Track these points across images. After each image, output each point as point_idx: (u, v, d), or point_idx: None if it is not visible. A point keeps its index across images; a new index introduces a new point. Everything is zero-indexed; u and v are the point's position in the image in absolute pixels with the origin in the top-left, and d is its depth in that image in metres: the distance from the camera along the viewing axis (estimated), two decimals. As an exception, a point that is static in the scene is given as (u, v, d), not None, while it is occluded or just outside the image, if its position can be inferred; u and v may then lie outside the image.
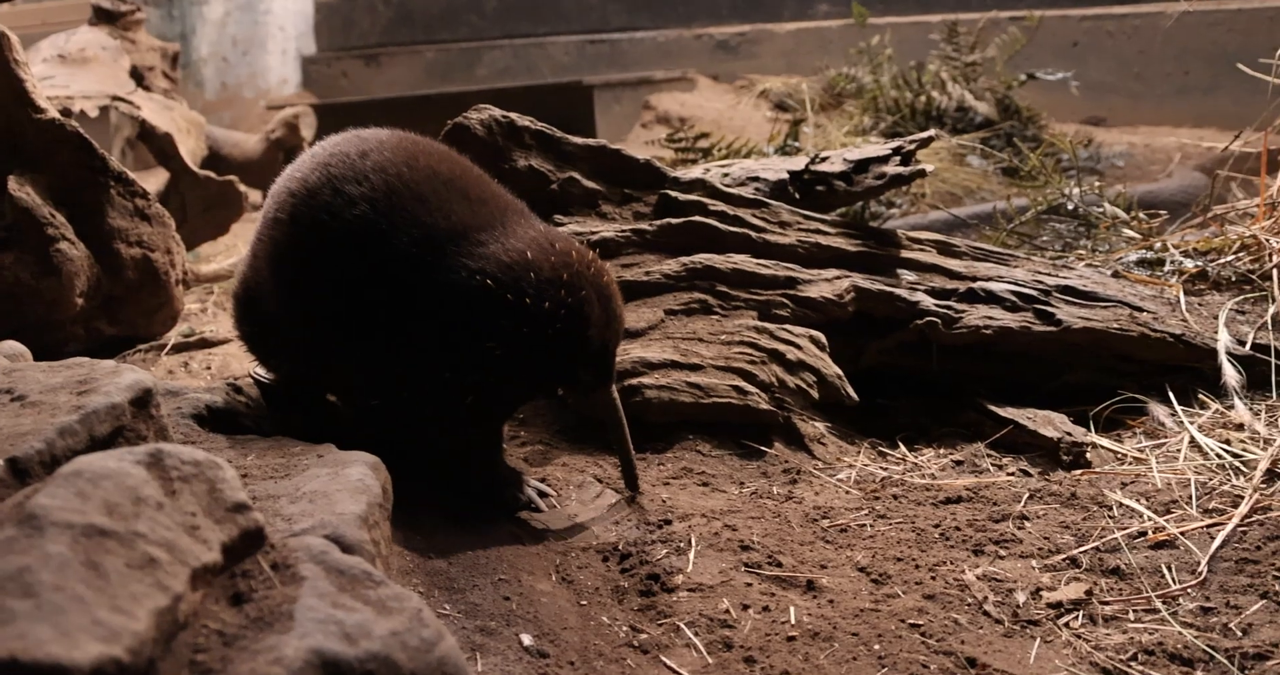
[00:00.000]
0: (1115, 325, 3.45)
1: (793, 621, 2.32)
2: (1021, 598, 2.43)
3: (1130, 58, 7.79)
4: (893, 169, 3.74)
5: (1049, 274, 3.69)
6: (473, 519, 2.68)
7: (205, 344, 4.37)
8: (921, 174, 3.70)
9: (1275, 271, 3.66)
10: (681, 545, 2.64)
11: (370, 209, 2.51)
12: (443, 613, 2.25)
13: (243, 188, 5.86)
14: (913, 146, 3.78)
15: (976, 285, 3.54)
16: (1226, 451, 3.02)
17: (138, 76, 6.53)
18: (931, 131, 3.82)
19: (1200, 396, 3.34)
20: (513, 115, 3.73)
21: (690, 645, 2.26)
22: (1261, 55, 3.99)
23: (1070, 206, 4.47)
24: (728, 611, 2.38)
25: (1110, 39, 7.90)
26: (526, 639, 2.20)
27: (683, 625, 2.33)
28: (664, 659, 2.22)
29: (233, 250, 6.09)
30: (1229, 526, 2.65)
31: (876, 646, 2.23)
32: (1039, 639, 2.29)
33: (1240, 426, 3.17)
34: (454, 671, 1.65)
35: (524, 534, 2.66)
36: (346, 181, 2.56)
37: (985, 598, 2.43)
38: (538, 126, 3.74)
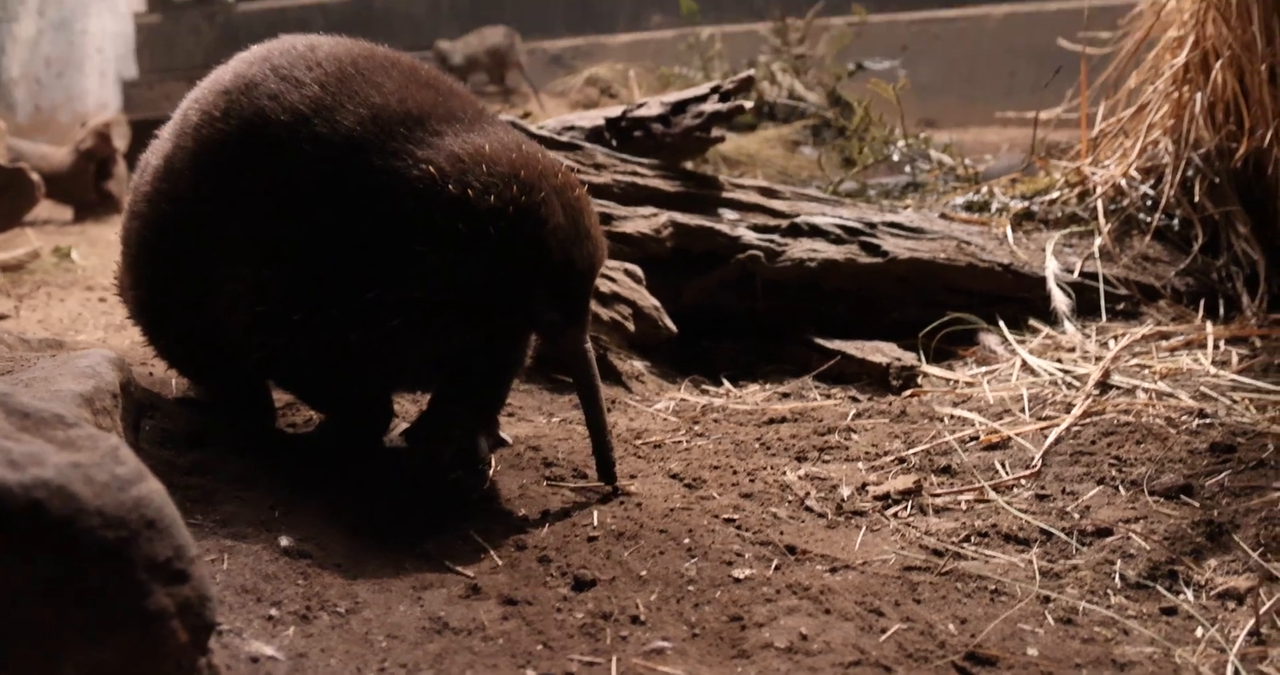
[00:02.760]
0: (943, 256, 3.32)
1: (595, 524, 2.08)
2: (846, 492, 2.23)
3: (959, 60, 7.89)
4: (711, 107, 3.57)
5: (875, 213, 3.56)
6: (267, 445, 2.39)
7: (-25, 320, 3.95)
8: (740, 110, 3.55)
9: (1100, 203, 3.59)
10: (481, 467, 2.38)
11: (320, 90, 2.18)
12: (192, 522, 1.94)
13: (35, 177, 5.44)
14: (731, 86, 3.63)
15: (800, 220, 3.38)
16: (1059, 369, 2.90)
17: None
18: (751, 71, 3.67)
19: (1031, 324, 3.22)
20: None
21: (480, 549, 2.00)
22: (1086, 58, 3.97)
23: (896, 158, 4.37)
24: (525, 518, 2.13)
25: (938, 42, 8.00)
26: (284, 541, 1.91)
27: (473, 533, 2.06)
28: (448, 563, 1.95)
29: (20, 239, 5.64)
30: (1064, 425, 2.50)
31: (686, 541, 2.00)
32: (865, 528, 2.09)
33: (1071, 349, 3.06)
34: (156, 516, 1.35)
35: (316, 460, 2.37)
36: (296, 67, 2.22)
37: (807, 493, 2.22)
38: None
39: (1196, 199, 3.49)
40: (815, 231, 3.36)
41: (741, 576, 1.86)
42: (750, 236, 3.31)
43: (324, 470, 2.27)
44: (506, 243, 2.05)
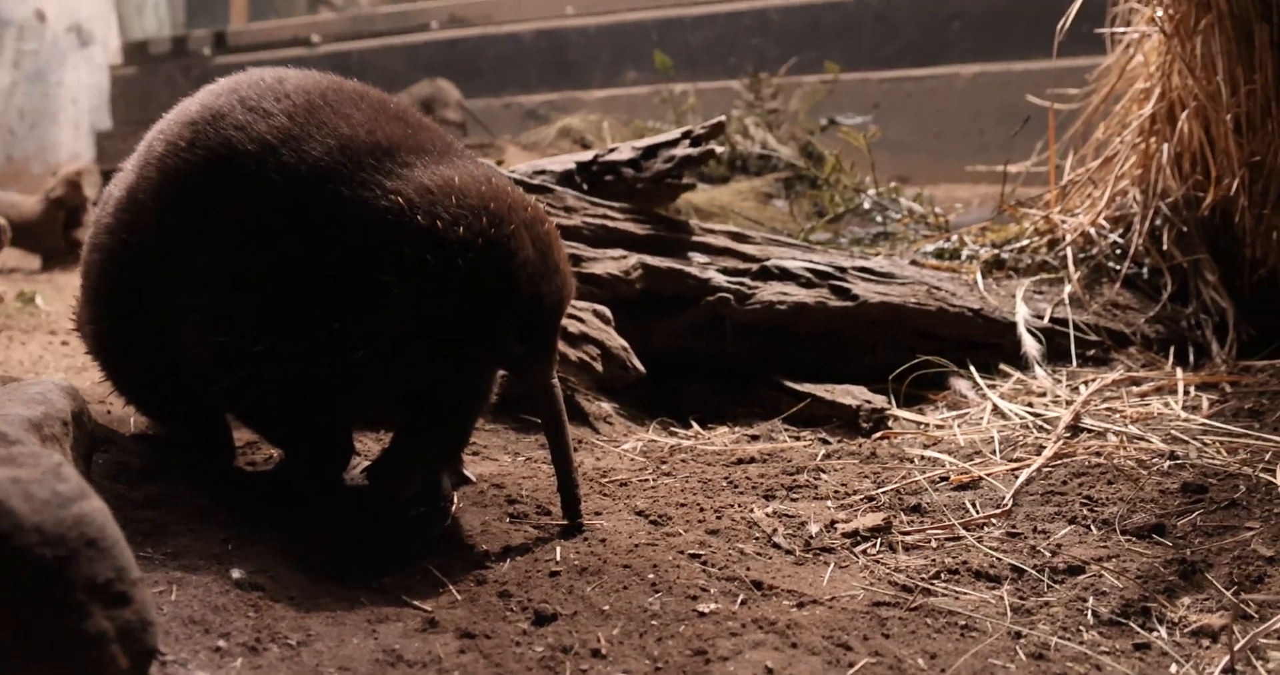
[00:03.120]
0: (913, 300, 3.31)
1: (558, 559, 2.03)
2: (814, 529, 2.19)
3: (929, 118, 7.96)
4: (682, 151, 3.56)
5: (845, 258, 3.55)
6: (224, 481, 2.34)
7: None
8: (711, 154, 3.54)
9: (1070, 251, 3.59)
10: (443, 504, 2.33)
11: (288, 120, 2.15)
12: (142, 555, 1.89)
13: (1, 222, 5.39)
14: (703, 131, 3.63)
15: (770, 263, 3.37)
16: (1030, 413, 2.87)
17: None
18: (721, 117, 3.67)
19: (1001, 369, 3.21)
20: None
21: (439, 584, 1.94)
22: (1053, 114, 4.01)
23: (866, 206, 4.39)
24: (487, 553, 2.08)
25: (909, 100, 8.07)
26: (236, 573, 1.85)
27: (433, 568, 2.01)
28: (405, 597, 1.89)
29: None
30: (1034, 465, 2.47)
31: (651, 576, 1.95)
32: (833, 564, 2.05)
33: (1042, 393, 3.04)
34: (97, 535, 1.31)
35: (273, 496, 2.31)
36: (264, 99, 2.20)
37: (775, 530, 2.18)
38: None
39: (1165, 247, 3.50)
40: (785, 275, 3.34)
41: (706, 611, 1.81)
42: (720, 279, 3.29)
43: (281, 505, 2.22)
44: (475, 275, 2.03)
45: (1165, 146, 3.53)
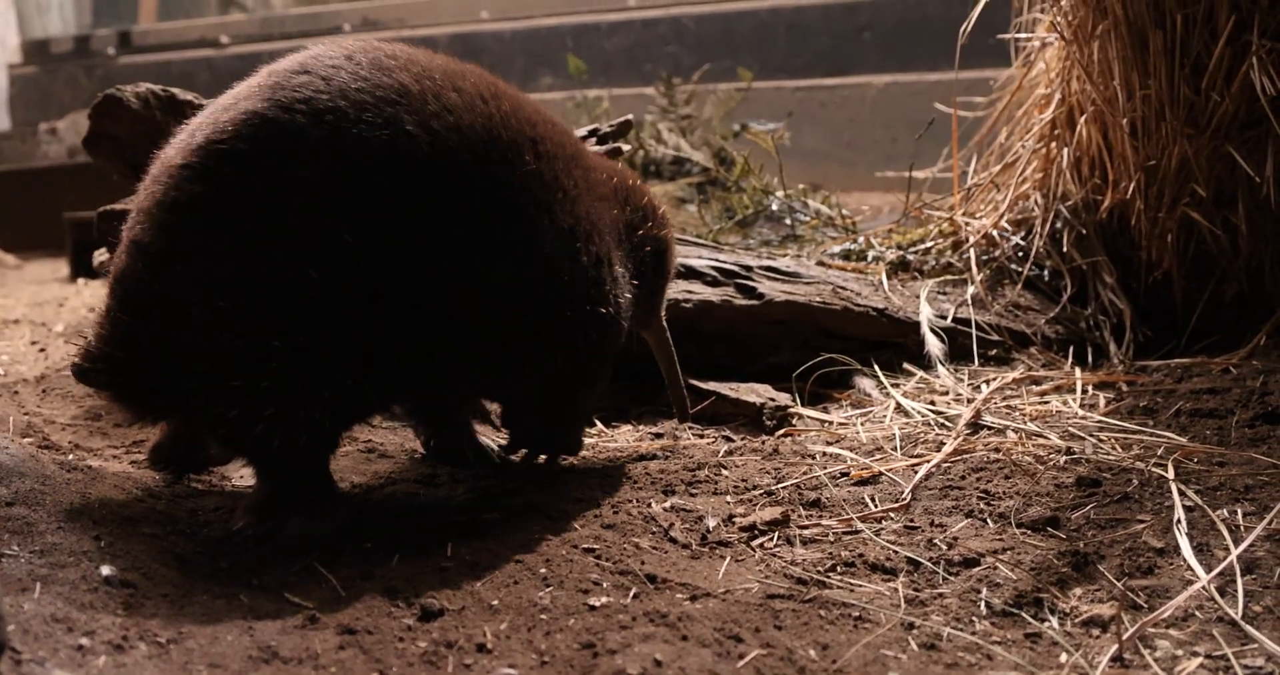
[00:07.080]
0: (818, 299, 3.30)
1: (449, 555, 1.98)
2: (712, 523, 2.16)
3: (842, 127, 8.02)
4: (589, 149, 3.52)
5: (752, 257, 3.54)
6: (98, 477, 2.24)
7: None
8: (618, 152, 3.50)
9: (973, 253, 3.62)
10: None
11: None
12: (7, 553, 1.80)
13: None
14: (610, 129, 3.60)
15: (677, 262, 3.34)
16: (931, 411, 2.88)
17: None
18: (629, 116, 3.65)
19: (905, 367, 3.21)
20: (174, 90, 3.37)
21: (324, 581, 1.88)
22: (960, 122, 4.04)
23: (775, 207, 4.38)
24: (371, 549, 2.02)
25: (823, 109, 8.13)
26: (106, 570, 1.77)
27: (317, 565, 1.94)
28: (287, 595, 1.83)
29: None
30: (934, 461, 2.47)
31: (543, 570, 1.91)
32: (729, 558, 2.02)
33: (944, 391, 3.05)
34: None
35: (153, 495, 2.23)
36: (441, 94, 2.16)
37: (671, 524, 2.15)
38: (202, 101, 3.38)
39: (1065, 250, 3.53)
40: (691, 273, 3.32)
41: (597, 604, 1.78)
42: (625, 277, 3.25)
43: (158, 503, 2.15)
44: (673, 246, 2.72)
45: (1065, 151, 3.57)
